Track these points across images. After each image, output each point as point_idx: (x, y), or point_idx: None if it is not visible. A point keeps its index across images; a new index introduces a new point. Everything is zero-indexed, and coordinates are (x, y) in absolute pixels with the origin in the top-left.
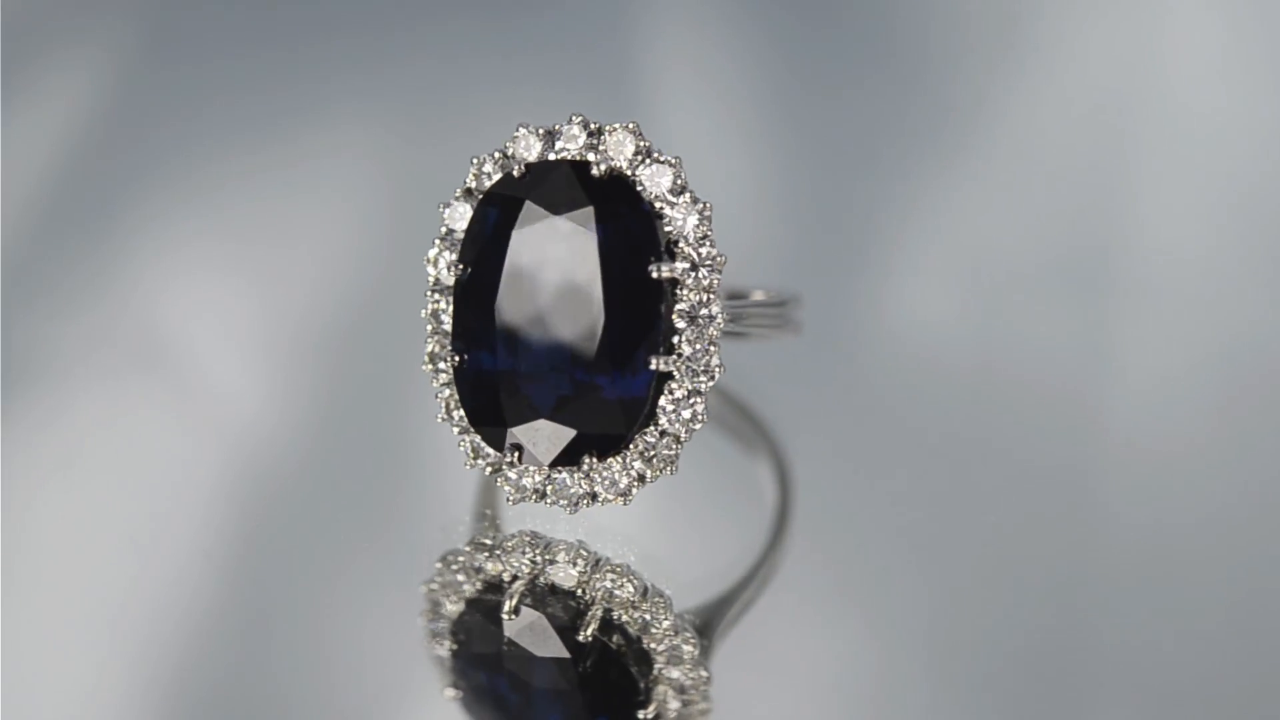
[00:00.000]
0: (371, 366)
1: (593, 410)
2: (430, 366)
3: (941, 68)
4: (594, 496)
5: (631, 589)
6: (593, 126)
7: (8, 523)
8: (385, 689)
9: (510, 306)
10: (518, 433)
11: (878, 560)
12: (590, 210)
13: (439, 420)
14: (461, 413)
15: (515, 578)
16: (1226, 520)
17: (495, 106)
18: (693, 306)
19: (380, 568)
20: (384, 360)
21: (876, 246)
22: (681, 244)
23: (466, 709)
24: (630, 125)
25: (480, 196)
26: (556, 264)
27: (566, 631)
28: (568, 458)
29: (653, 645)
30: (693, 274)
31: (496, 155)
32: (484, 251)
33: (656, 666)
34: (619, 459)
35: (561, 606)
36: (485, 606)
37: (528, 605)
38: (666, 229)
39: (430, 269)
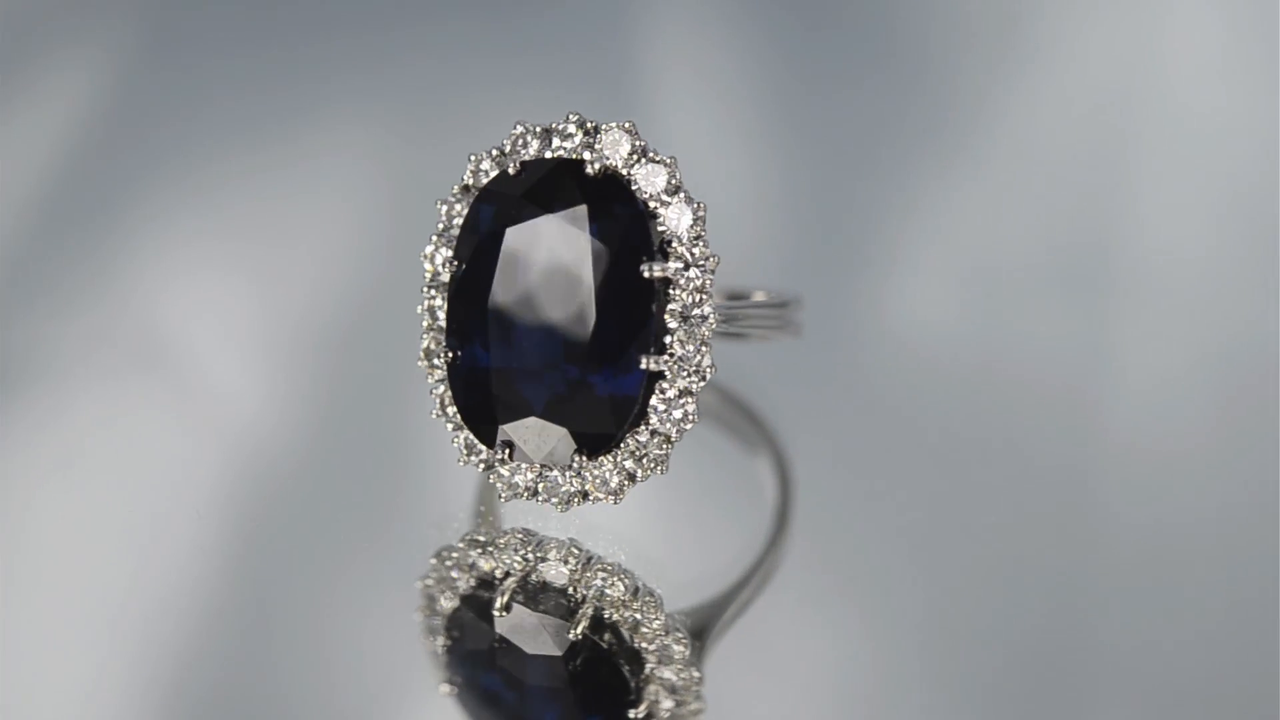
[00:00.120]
0: (371, 366)
1: (583, 409)
2: (425, 363)
3: (941, 68)
4: (585, 495)
5: (622, 588)
6: (589, 125)
7: (7, 523)
8: (385, 687)
9: (503, 303)
10: (509, 430)
11: (877, 560)
12: (584, 209)
13: (433, 416)
14: (455, 409)
15: (508, 574)
16: (1226, 520)
17: (495, 106)
18: (685, 306)
19: (380, 566)
20: (384, 359)
21: (876, 246)
22: (675, 244)
23: (461, 705)
24: (626, 124)
25: (476, 193)
26: (550, 262)
27: (557, 629)
28: (560, 455)
29: (643, 644)
30: (685, 274)
31: (494, 153)
32: (478, 249)
33: (648, 666)
34: (610, 458)
35: (553, 604)
36: (478, 603)
37: (519, 602)
38: (660, 228)
39: (426, 265)
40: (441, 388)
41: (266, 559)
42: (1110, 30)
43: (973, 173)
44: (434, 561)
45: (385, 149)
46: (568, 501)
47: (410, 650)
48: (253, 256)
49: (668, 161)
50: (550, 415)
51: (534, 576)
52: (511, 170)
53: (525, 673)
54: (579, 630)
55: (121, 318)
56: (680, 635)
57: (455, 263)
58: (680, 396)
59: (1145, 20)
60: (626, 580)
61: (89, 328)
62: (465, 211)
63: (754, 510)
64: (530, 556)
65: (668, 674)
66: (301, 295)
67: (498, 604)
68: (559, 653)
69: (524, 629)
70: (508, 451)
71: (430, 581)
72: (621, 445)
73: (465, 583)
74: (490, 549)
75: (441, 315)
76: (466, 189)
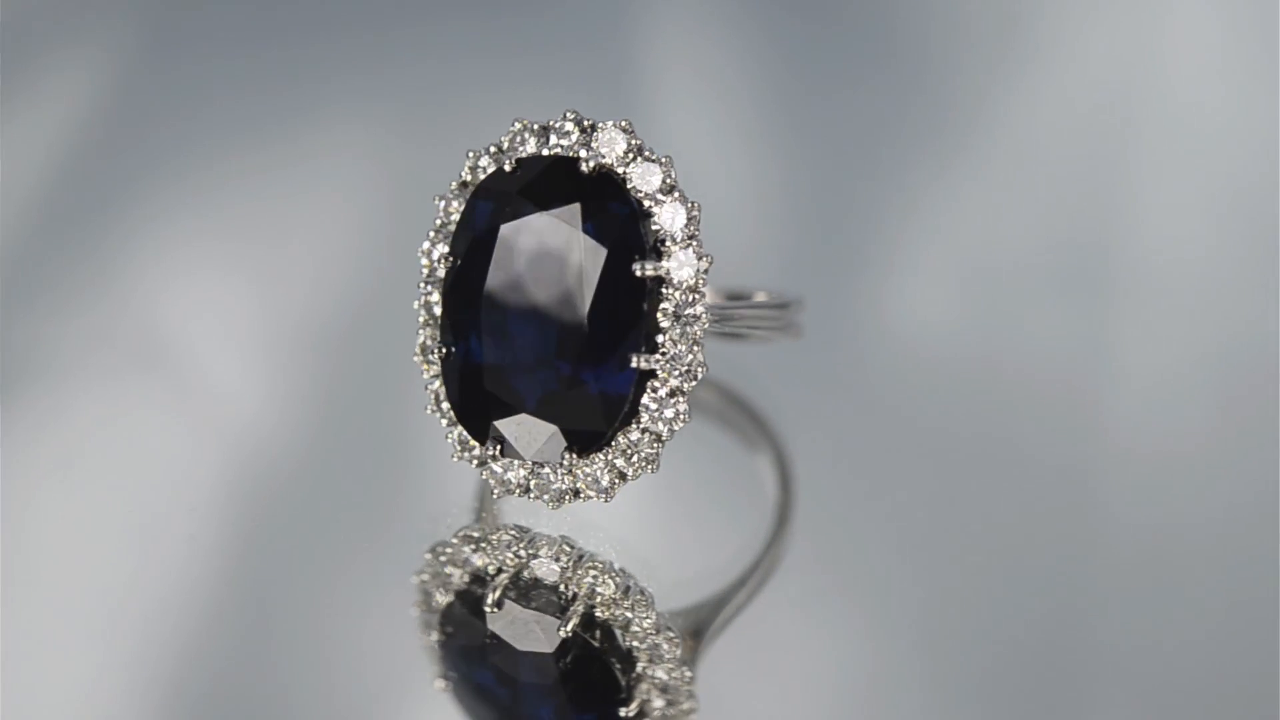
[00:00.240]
0: (371, 365)
1: (575, 406)
2: (421, 358)
3: (941, 68)
4: (576, 493)
5: (613, 586)
6: (586, 123)
7: (8, 522)
8: (385, 686)
9: (496, 299)
10: (500, 426)
11: (876, 559)
12: (577, 207)
13: (428, 412)
14: (449, 405)
15: (500, 570)
16: (1226, 520)
17: (495, 106)
18: (677, 306)
19: (380, 565)
20: (384, 359)
21: (876, 246)
22: (668, 243)
23: (455, 700)
24: (622, 123)
25: (473, 190)
26: (543, 259)
27: (548, 626)
28: (550, 453)
29: (635, 643)
30: (678, 273)
31: (492, 149)
32: (473, 245)
33: (639, 665)
34: (601, 456)
35: (544, 601)
36: (471, 599)
37: (511, 599)
38: (654, 227)
39: (423, 260)
40: (436, 383)
41: (266, 558)
42: (1110, 30)
43: (973, 173)
44: (428, 557)
45: (385, 149)
46: (559, 499)
47: (410, 649)
48: (253, 256)
49: (663, 160)
50: (542, 412)
51: (526, 573)
52: (507, 167)
53: (517, 669)
54: (569, 628)
55: (121, 318)
56: (672, 634)
57: (451, 259)
58: (672, 396)
59: (1145, 20)
60: (618, 579)
61: (89, 328)
62: (461, 207)
63: (753, 509)
64: (522, 553)
65: (659, 673)
66: (301, 295)
67: (489, 600)
68: (550, 650)
69: (515, 626)
70: (499, 448)
71: (425, 577)
72: (612, 444)
73: (459, 578)
74: (483, 545)
75: (437, 311)
76: (464, 185)
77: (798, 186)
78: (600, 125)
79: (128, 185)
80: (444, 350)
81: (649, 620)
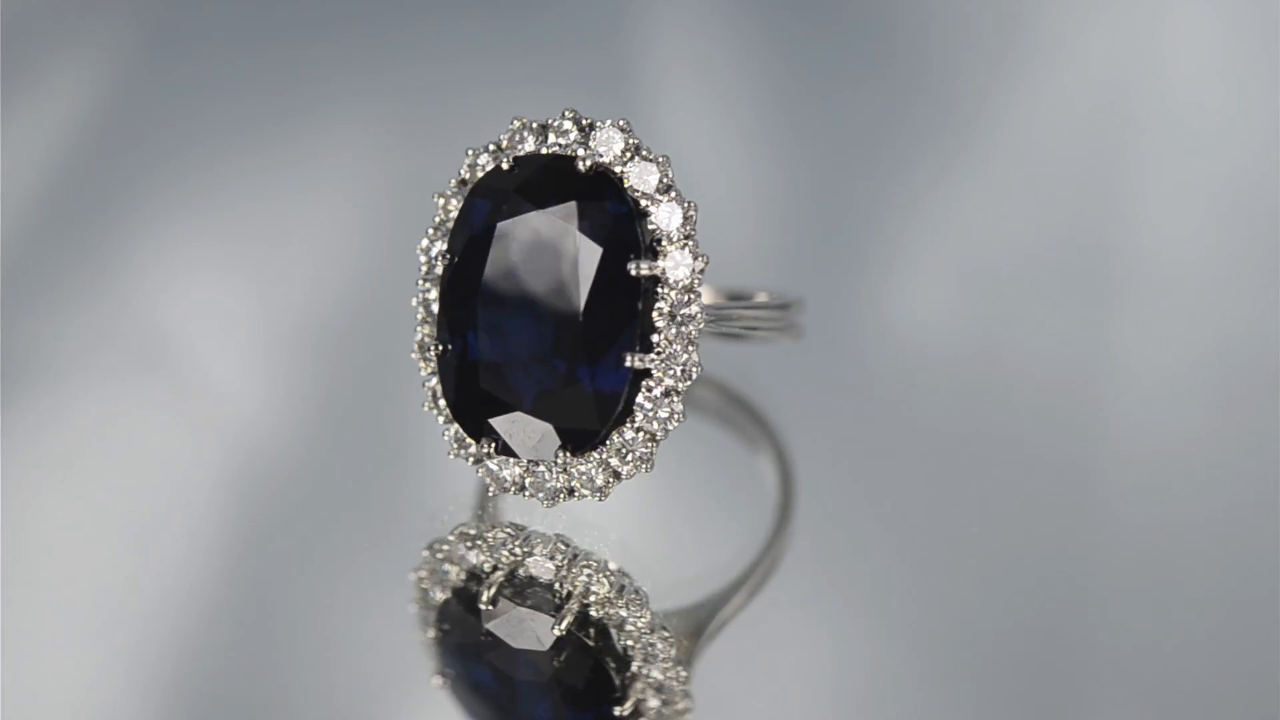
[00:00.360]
0: (371, 365)
1: (569, 405)
2: (418, 354)
3: (941, 68)
4: (571, 491)
5: (608, 585)
6: (584, 122)
7: (8, 523)
8: (385, 685)
9: (493, 297)
10: (495, 424)
11: (875, 559)
12: (574, 205)
13: (425, 409)
14: (445, 402)
15: (495, 568)
16: (1226, 519)
17: (495, 106)
18: (673, 305)
19: (380, 565)
20: (384, 359)
21: (877, 246)
22: (664, 242)
23: (453, 697)
24: (620, 122)
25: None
26: (539, 257)
27: (543, 624)
28: (544, 451)
29: (629, 642)
30: (674, 273)
31: (491, 147)
32: (470, 243)
33: (634, 664)
34: (595, 455)
35: (539, 599)
36: (467, 596)
37: (506, 596)
38: (650, 227)
39: (422, 257)
40: (433, 380)
41: (266, 558)
42: (1110, 30)
43: (973, 173)
44: (426, 554)
45: (385, 149)
46: (553, 497)
47: (409, 647)
48: (253, 256)
49: (660, 160)
50: (537, 410)
51: (521, 571)
52: (505, 165)
53: (512, 667)
54: (563, 626)
55: (121, 318)
56: (667, 634)
57: (448, 256)
58: (666, 395)
59: (1145, 20)
60: (612, 578)
61: (89, 328)
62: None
63: (754, 509)
64: (517, 551)
65: (654, 673)
66: (301, 295)
67: (484, 598)
68: (544, 648)
69: (510, 624)
70: (493, 446)
71: (423, 574)
72: (607, 443)
73: (456, 575)
74: (479, 542)
75: (435, 308)
76: (463, 183)
77: (798, 186)
78: (598, 124)
79: (128, 185)
80: (440, 347)
81: (644, 620)
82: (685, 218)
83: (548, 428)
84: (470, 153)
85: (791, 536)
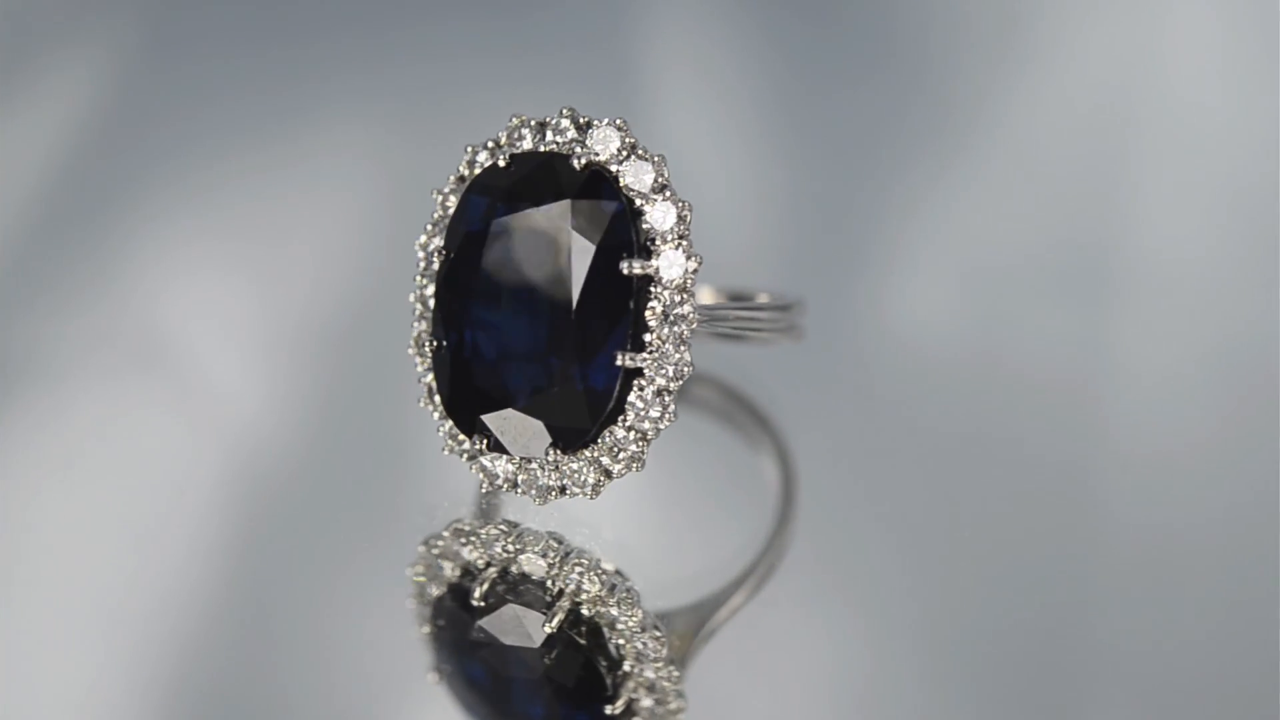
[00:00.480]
0: (371, 365)
1: (561, 403)
2: (415, 349)
3: (941, 68)
4: (563, 490)
5: (599, 584)
6: (582, 120)
7: (8, 522)
8: (385, 685)
9: (487, 294)
10: (487, 421)
11: (876, 559)
12: (568, 204)
13: (420, 405)
14: (440, 398)
15: (489, 564)
16: (1226, 519)
17: (495, 106)
18: (665, 305)
19: (381, 564)
20: (383, 359)
21: (877, 246)
22: (658, 242)
23: (449, 694)
24: (617, 121)
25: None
26: (534, 254)
27: (534, 622)
28: (535, 448)
29: (621, 641)
30: (667, 272)
31: (489, 144)
32: (466, 239)
33: (626, 663)
34: (587, 453)
35: (532, 597)
36: (461, 592)
37: (499, 593)
38: (644, 226)
39: (420, 253)
40: (429, 376)
41: (267, 558)
42: (1110, 30)
43: (973, 173)
44: (421, 549)
45: (385, 149)
46: (545, 495)
47: (409, 647)
48: (253, 256)
49: (656, 159)
50: (529, 408)
51: (514, 568)
52: (501, 163)
53: (505, 665)
54: (554, 624)
55: (121, 318)
56: (659, 633)
57: (445, 252)
58: (658, 395)
59: (1145, 20)
60: (603, 576)
61: (89, 328)
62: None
63: (754, 508)
64: (510, 548)
65: (647, 672)
66: (301, 295)
67: (476, 594)
68: (535, 645)
69: (502, 620)
70: (485, 442)
71: (420, 570)
72: (598, 441)
73: (450, 571)
74: (473, 539)
75: (432, 304)
76: (462, 179)
77: (798, 186)
78: (596, 123)
79: (128, 185)
80: (434, 343)
81: (635, 619)
82: (679, 217)
83: (538, 425)
84: (469, 149)
85: (791, 536)
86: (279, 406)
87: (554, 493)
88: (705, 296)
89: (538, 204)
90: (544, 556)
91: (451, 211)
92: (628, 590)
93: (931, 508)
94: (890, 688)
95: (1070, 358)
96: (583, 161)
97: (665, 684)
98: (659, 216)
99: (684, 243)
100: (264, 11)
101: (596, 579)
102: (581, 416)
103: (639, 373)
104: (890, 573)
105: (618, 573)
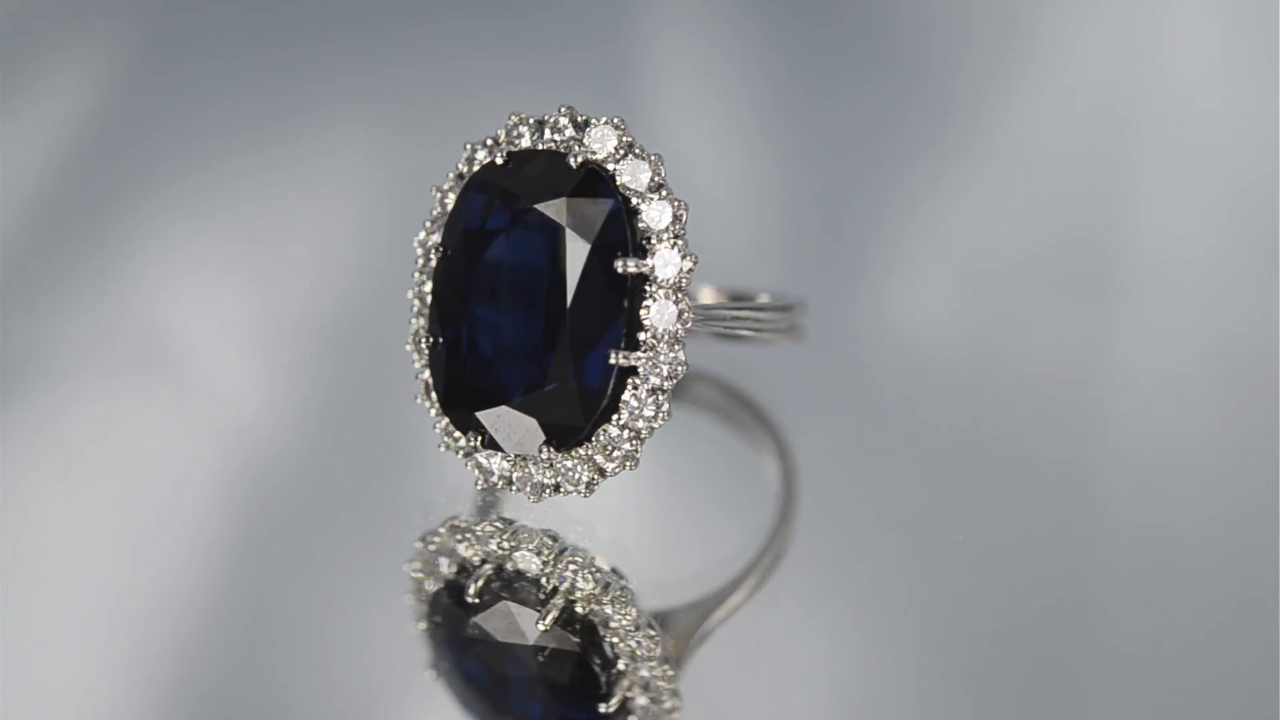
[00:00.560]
0: (371, 365)
1: (555, 400)
2: (413, 346)
3: (941, 68)
4: (557, 487)
5: (593, 582)
6: (580, 119)
7: (8, 522)
8: (385, 682)
9: (483, 291)
10: (482, 418)
11: (876, 559)
12: (564, 201)
13: (417, 402)
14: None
15: (484, 561)
16: (1226, 519)
17: (494, 106)
18: (660, 304)
19: (381, 564)
20: (384, 359)
21: (877, 247)
22: (654, 241)
23: (446, 690)
24: (615, 120)
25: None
26: (530, 252)
27: (528, 619)
28: (529, 445)
29: (615, 640)
30: (662, 271)
31: (488, 142)
32: (463, 237)
33: (620, 662)
34: (581, 451)
35: (526, 594)
36: (458, 589)
37: (494, 590)
38: (640, 224)
39: (419, 250)
40: (426, 373)
41: (267, 558)
42: (1110, 30)
43: (973, 173)
44: (419, 545)
45: (385, 148)
46: (539, 493)
47: (409, 646)
48: (253, 256)
49: (653, 158)
50: (523, 405)
51: (509, 566)
52: (500, 160)
53: (500, 662)
54: (548, 621)
55: (121, 318)
56: (653, 632)
57: (442, 249)
58: (652, 394)
59: (1145, 20)
60: (598, 575)
61: (89, 328)
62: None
63: (755, 507)
64: (505, 545)
65: (641, 670)
66: (301, 295)
67: (470, 591)
68: (529, 643)
69: (497, 618)
70: (479, 439)
71: (417, 565)
72: (592, 439)
73: (447, 568)
74: (468, 535)
75: (429, 301)
76: (460, 177)
77: (798, 186)
78: (594, 121)
79: (128, 185)
80: (431, 340)
81: (629, 617)
82: (675, 216)
83: (532, 423)
84: (468, 146)
85: (791, 536)
86: (279, 406)
87: (548, 490)
88: (706, 296)
89: (534, 202)
90: (538, 554)
91: (450, 209)
92: (622, 589)
93: (932, 508)
94: (890, 688)
95: (1070, 358)
96: (580, 159)
97: (660, 683)
98: (655, 215)
99: (680, 241)
100: (264, 11)
101: (590, 577)
102: (575, 414)
103: (633, 371)
104: (890, 573)
105: (613, 571)
